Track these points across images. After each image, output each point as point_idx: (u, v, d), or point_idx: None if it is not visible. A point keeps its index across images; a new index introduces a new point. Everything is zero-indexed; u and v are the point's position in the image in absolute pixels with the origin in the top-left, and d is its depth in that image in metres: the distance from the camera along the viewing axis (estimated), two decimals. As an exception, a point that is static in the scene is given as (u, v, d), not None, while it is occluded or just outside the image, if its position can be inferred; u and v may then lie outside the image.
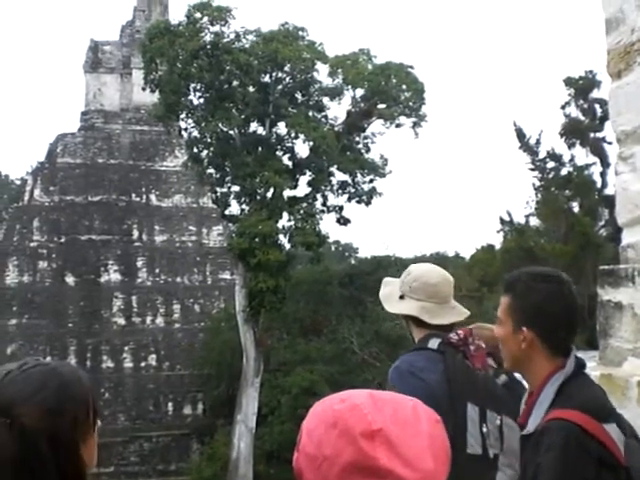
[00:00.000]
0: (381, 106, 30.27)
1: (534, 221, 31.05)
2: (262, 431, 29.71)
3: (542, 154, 30.45)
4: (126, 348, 36.18)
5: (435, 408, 2.68)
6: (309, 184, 30.43)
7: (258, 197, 29.17)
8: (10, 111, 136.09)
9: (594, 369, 4.37)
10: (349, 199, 30.82)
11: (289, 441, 28.92)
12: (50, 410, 1.72)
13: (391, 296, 3.81)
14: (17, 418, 1.70)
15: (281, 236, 29.34)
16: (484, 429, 3.27)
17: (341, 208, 31.02)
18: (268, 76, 29.58)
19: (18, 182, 54.92)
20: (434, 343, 3.50)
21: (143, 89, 31.41)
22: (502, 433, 3.27)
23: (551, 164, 30.55)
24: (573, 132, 29.75)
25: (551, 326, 2.71)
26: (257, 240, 28.08)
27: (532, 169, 30.54)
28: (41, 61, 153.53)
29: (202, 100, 29.76)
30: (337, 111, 40.20)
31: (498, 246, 32.32)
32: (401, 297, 3.73)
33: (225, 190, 30.60)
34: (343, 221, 31.20)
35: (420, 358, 3.50)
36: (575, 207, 29.67)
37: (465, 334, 3.47)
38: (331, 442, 1.49)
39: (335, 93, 30.34)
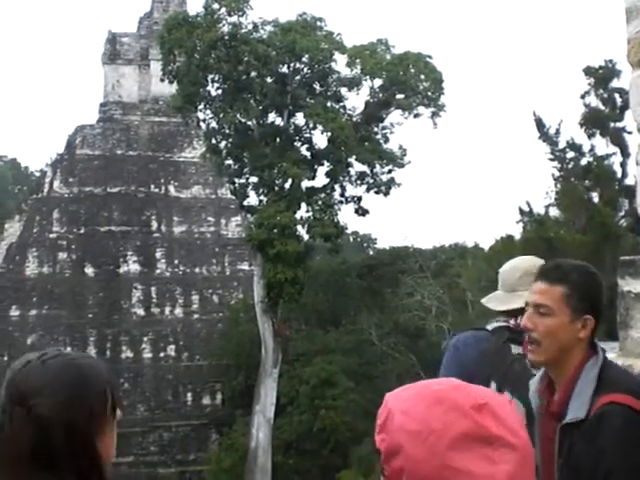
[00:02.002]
0: (399, 96, 30.15)
1: (554, 211, 30.82)
2: (280, 421, 29.79)
3: (562, 144, 30.18)
4: (145, 338, 36.34)
5: (467, 379, 2.87)
6: (327, 175, 30.39)
7: (276, 188, 29.17)
8: (29, 103, 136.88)
9: (614, 360, 4.33)
10: (367, 190, 30.75)
11: (307, 431, 29.03)
12: (65, 401, 1.73)
13: None
14: (33, 408, 1.71)
15: (299, 227, 29.35)
16: None
17: (359, 199, 30.97)
18: (286, 67, 29.55)
19: (37, 174, 55.19)
20: (492, 325, 3.74)
21: (161, 80, 31.46)
22: None
23: (571, 154, 30.30)
24: (593, 122, 29.49)
25: (598, 316, 2.80)
26: (275, 231, 28.11)
27: (551, 159, 30.29)
28: (60, 53, 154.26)
29: (220, 91, 29.78)
30: (355, 101, 40.05)
31: (517, 237, 32.13)
32: None
33: (243, 181, 30.63)
34: (361, 212, 31.13)
35: (472, 336, 3.80)
36: (595, 197, 29.43)
37: None
38: (438, 417, 1.66)
39: (353, 83, 30.25)
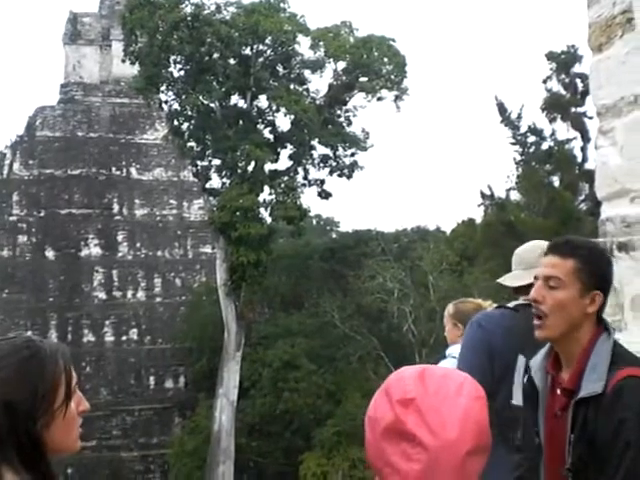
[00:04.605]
0: (363, 79, 30.18)
1: (515, 195, 31.15)
2: (243, 404, 29.84)
3: (523, 128, 30.50)
4: (107, 322, 36.11)
5: (490, 355, 3.61)
6: (290, 157, 30.36)
7: (239, 170, 29.07)
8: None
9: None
10: (330, 173, 30.81)
11: (270, 414, 29.10)
12: (6, 379, 1.76)
13: None
14: None
15: (262, 210, 29.35)
16: (525, 380, 3.52)
17: (322, 182, 31.03)
18: (249, 48, 29.39)
19: (-3, 155, 54.30)
20: (514, 303, 3.90)
21: (123, 61, 31.10)
22: None
23: (532, 138, 30.62)
24: (554, 107, 29.80)
25: (606, 293, 2.80)
26: (238, 214, 28.03)
27: (513, 143, 30.59)
28: (20, 33, 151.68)
29: (182, 72, 29.55)
30: (319, 84, 40.17)
31: (479, 220, 32.42)
32: None
33: (206, 163, 30.51)
34: (324, 195, 31.20)
35: (494, 313, 4.01)
36: (555, 181, 29.79)
37: None
38: (380, 406, 1.73)
39: (317, 66, 30.21)
